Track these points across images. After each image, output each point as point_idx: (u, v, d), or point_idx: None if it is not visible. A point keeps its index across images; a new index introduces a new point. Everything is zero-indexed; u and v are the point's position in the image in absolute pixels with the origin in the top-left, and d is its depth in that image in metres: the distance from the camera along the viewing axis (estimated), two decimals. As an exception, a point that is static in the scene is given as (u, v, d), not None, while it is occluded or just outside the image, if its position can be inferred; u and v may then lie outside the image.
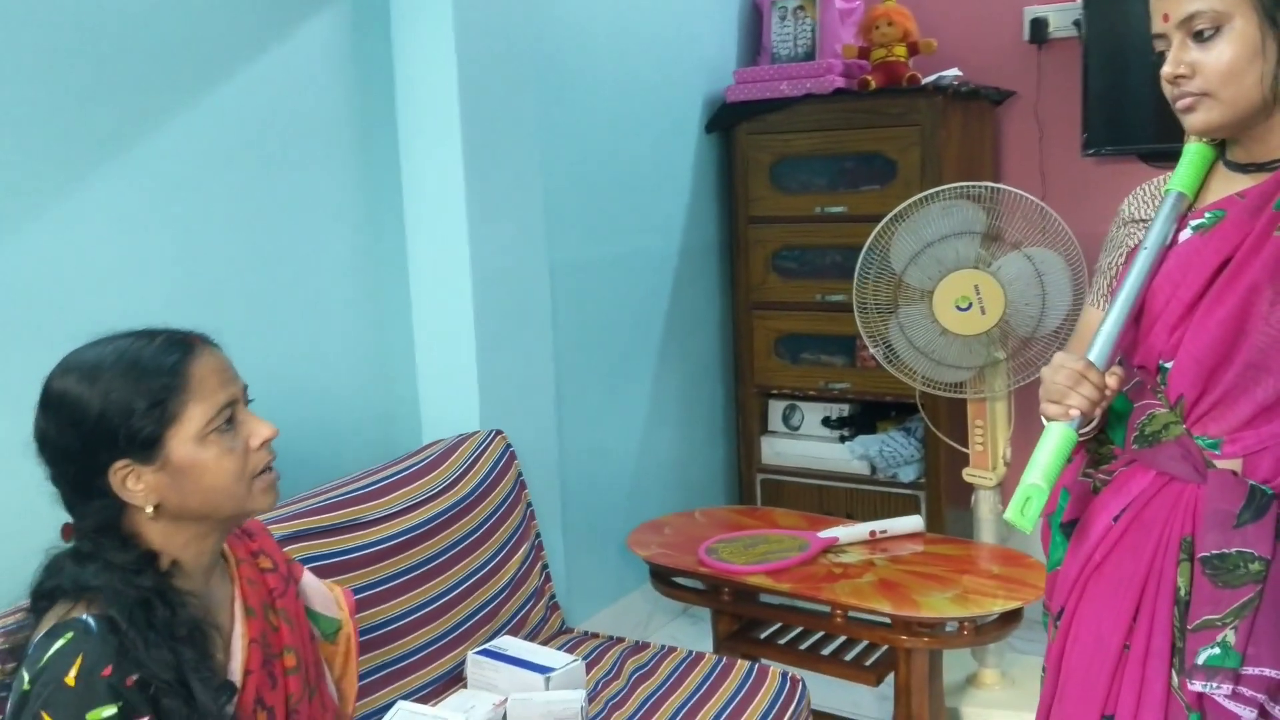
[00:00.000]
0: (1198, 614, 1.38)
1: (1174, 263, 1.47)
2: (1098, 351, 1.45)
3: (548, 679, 2.19)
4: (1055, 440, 1.42)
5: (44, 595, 1.31)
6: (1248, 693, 1.36)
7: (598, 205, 3.28)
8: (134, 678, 1.24)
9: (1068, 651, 1.54)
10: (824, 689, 2.78)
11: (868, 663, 2.66)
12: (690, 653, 2.44)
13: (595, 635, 2.56)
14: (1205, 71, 1.38)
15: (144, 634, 1.26)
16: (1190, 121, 1.42)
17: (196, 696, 1.27)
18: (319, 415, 2.46)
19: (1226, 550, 1.37)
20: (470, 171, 2.58)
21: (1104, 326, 1.47)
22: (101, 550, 1.31)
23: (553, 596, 2.59)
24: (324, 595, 1.64)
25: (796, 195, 3.67)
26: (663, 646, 2.48)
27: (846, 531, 2.82)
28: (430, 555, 2.25)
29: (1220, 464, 1.43)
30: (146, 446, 1.30)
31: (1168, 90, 1.43)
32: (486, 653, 2.27)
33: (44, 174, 1.92)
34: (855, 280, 2.95)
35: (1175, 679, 1.43)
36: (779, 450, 3.83)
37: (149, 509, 1.31)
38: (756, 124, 3.68)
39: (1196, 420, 1.45)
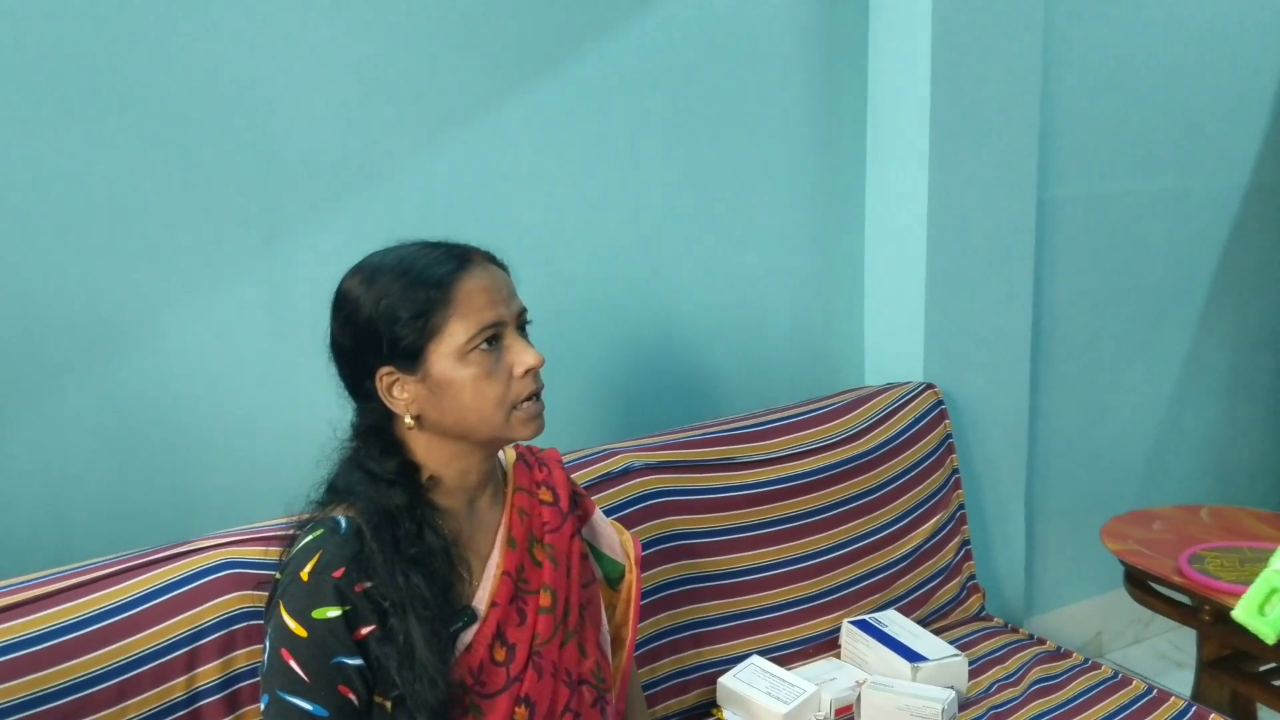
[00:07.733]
0: None
1: None
2: None
3: (916, 669, 1.94)
4: None
5: (329, 490, 1.33)
6: None
7: (1133, 131, 2.77)
8: (364, 585, 1.22)
9: None
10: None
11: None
12: (1115, 674, 2.03)
13: (1014, 630, 2.22)
14: None
15: (384, 549, 1.24)
16: None
17: (411, 629, 1.22)
18: (750, 346, 2.36)
19: None
20: (937, 86, 2.29)
21: None
22: (364, 454, 1.30)
23: (971, 577, 2.28)
24: (611, 537, 1.55)
25: None
26: (1085, 660, 2.09)
27: (1393, 565, 2.18)
28: (812, 509, 2.07)
29: None
30: (409, 356, 1.26)
31: None
32: (862, 624, 2.07)
33: (477, 87, 1.96)
34: None
35: None
36: (1362, 450, 3.08)
37: (409, 419, 1.29)
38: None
39: None
